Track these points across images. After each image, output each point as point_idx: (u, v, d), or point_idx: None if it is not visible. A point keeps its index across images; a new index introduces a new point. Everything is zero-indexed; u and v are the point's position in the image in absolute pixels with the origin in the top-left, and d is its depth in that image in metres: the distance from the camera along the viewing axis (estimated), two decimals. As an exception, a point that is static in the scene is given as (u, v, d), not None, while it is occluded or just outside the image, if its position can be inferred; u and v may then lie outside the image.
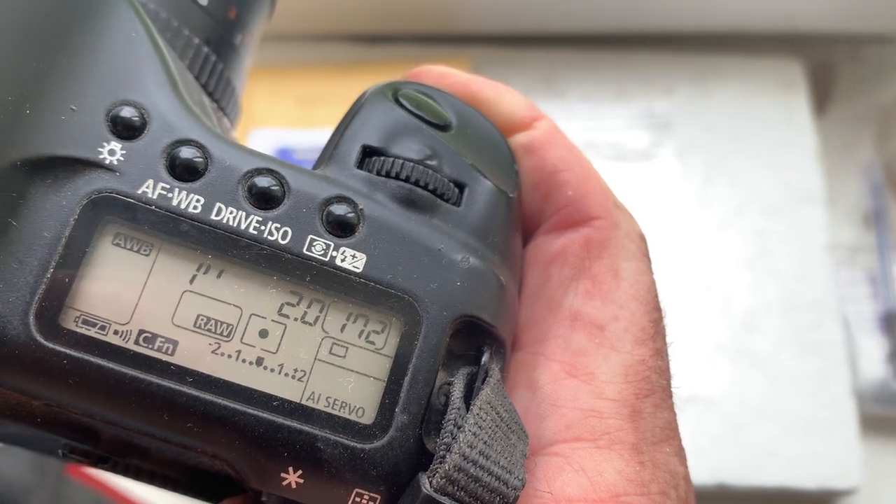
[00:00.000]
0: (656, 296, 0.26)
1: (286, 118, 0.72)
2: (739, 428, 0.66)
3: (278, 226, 0.21)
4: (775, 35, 0.82)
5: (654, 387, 0.24)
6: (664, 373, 0.24)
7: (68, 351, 0.19)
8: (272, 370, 0.21)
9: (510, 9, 0.79)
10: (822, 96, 0.82)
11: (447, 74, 0.28)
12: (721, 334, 0.70)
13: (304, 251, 0.21)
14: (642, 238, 0.26)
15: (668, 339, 0.25)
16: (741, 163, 0.76)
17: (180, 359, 0.20)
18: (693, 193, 0.75)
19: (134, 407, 0.20)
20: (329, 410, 0.21)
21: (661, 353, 0.25)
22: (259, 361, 0.21)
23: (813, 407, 0.67)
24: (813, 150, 0.76)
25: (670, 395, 0.24)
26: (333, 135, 0.24)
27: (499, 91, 0.27)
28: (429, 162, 0.24)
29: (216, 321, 0.21)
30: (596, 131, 0.77)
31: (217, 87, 0.27)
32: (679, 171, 0.76)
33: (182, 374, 0.20)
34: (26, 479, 0.51)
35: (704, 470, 0.65)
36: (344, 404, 0.21)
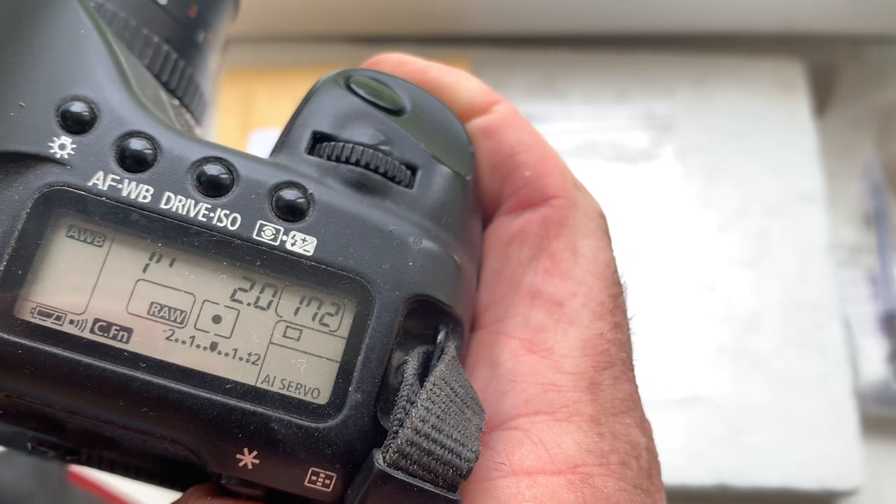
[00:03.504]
0: (615, 271, 0.26)
1: (287, 119, 0.72)
2: (740, 429, 0.66)
3: (227, 212, 0.21)
4: (776, 36, 0.82)
5: (612, 359, 0.24)
6: (624, 346, 0.25)
7: (24, 341, 0.20)
8: (226, 354, 0.21)
9: (510, 9, 0.79)
10: (823, 97, 0.82)
11: (405, 62, 0.28)
12: (722, 335, 0.70)
13: (254, 236, 0.21)
14: (601, 216, 0.27)
15: (628, 314, 0.26)
16: (742, 163, 0.76)
17: (135, 346, 0.20)
18: (694, 194, 0.75)
19: (90, 394, 0.20)
20: (283, 392, 0.21)
21: (620, 326, 0.25)
22: (213, 346, 0.21)
23: (814, 408, 0.67)
24: (813, 150, 0.76)
25: (631, 368, 0.25)
26: (287, 123, 0.25)
27: (457, 77, 0.28)
28: (380, 146, 0.24)
29: (170, 308, 0.21)
30: (597, 132, 0.77)
31: (179, 85, 0.27)
32: (680, 171, 0.76)
33: (136, 360, 0.20)
34: (27, 486, 0.51)
35: (705, 470, 0.65)
36: (299, 386, 0.21)
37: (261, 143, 0.72)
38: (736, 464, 0.65)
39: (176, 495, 0.24)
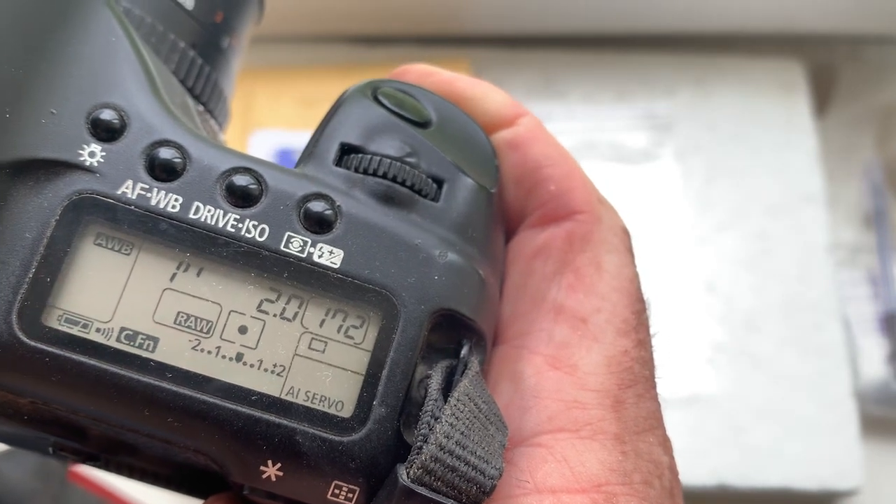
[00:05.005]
0: (639, 288, 0.26)
1: (287, 119, 0.72)
2: (740, 428, 0.66)
3: (256, 223, 0.22)
4: (776, 36, 0.82)
5: (636, 377, 0.24)
6: (647, 363, 0.25)
7: (51, 349, 0.20)
8: (252, 365, 0.21)
9: (510, 9, 0.79)
10: (823, 97, 0.82)
11: (431, 73, 0.28)
12: (722, 335, 0.70)
13: (282, 248, 0.22)
14: (625, 232, 0.27)
15: (651, 331, 0.26)
16: (742, 164, 0.76)
17: (161, 355, 0.20)
18: (694, 194, 0.75)
19: (116, 403, 0.20)
20: (308, 404, 0.21)
21: (643, 343, 0.25)
22: (238, 357, 0.21)
23: (814, 408, 0.67)
24: (813, 150, 0.76)
25: (654, 386, 0.25)
26: (314, 134, 0.24)
27: (483, 89, 0.27)
28: (407, 159, 0.24)
29: (196, 318, 0.21)
30: (596, 132, 0.77)
31: (204, 90, 0.27)
32: (679, 172, 0.76)
33: (162, 370, 0.20)
34: (29, 485, 0.51)
35: (705, 470, 0.65)
36: (323, 398, 0.21)
37: (261, 143, 0.72)
38: (736, 464, 0.65)
39: (195, 503, 0.24)
